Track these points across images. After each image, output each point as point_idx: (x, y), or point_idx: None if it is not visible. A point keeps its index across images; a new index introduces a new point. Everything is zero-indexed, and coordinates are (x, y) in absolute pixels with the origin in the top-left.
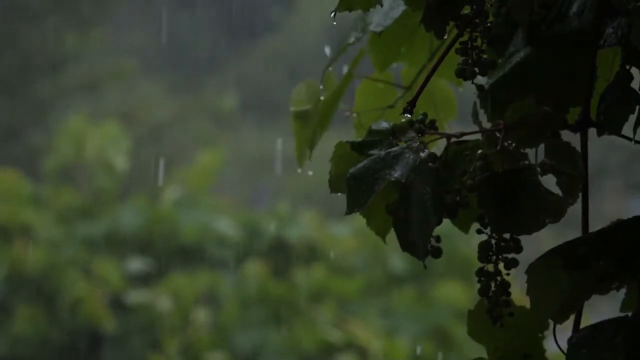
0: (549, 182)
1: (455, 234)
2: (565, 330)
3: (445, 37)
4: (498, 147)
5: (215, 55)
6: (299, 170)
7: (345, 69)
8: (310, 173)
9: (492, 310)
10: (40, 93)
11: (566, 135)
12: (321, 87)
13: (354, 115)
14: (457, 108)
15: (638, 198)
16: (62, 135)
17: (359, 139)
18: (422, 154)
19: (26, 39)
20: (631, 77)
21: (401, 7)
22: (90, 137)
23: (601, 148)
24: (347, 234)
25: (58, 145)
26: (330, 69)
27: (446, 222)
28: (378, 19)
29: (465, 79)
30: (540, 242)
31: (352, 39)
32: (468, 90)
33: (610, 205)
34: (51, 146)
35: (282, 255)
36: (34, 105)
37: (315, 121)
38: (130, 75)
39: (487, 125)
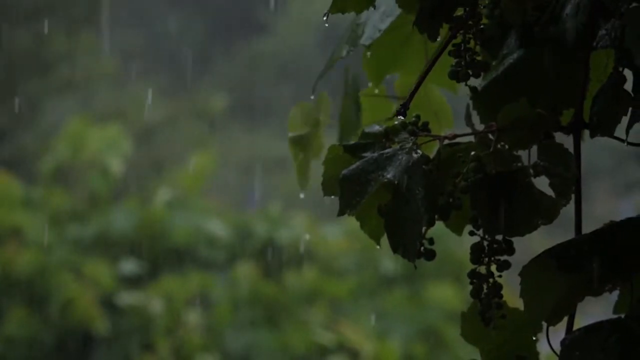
0: (542, 183)
1: (446, 236)
2: (557, 332)
3: (438, 39)
4: (491, 149)
5: (205, 56)
6: (302, 195)
7: (334, 77)
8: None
9: (484, 313)
10: (30, 94)
11: (559, 137)
12: (312, 96)
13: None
14: (452, 115)
15: (628, 199)
16: (60, 137)
17: (352, 142)
18: (415, 155)
19: (16, 41)
20: (624, 79)
21: (390, 19)
22: (89, 139)
23: (591, 149)
24: (338, 235)
25: (56, 146)
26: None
27: (438, 223)
28: (368, 32)
29: (458, 81)
30: (530, 242)
31: (343, 52)
32: (461, 93)
33: (600, 206)
34: (44, 147)
35: (273, 257)
36: (24, 107)
37: (311, 140)
38: (120, 77)
39: (480, 127)
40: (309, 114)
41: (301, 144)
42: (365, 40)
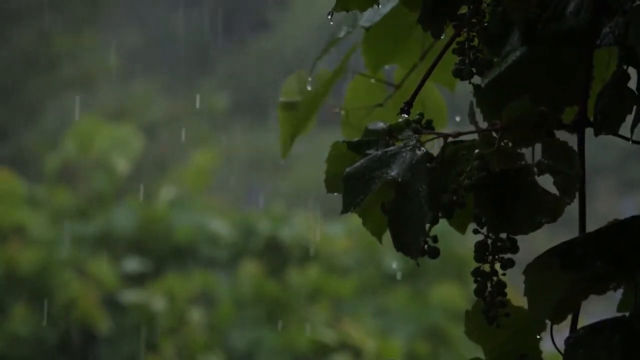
0: (546, 182)
1: (449, 234)
2: (561, 331)
3: (442, 37)
4: (495, 147)
5: (208, 54)
6: (282, 161)
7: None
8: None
9: (488, 311)
10: (32, 93)
11: (562, 135)
12: (310, 79)
13: (342, 112)
14: (448, 115)
15: (630, 197)
16: (68, 135)
17: (356, 139)
18: (419, 153)
19: (18, 39)
20: (628, 77)
21: (390, 4)
22: (98, 138)
23: (593, 147)
24: (341, 233)
25: (63, 144)
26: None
27: (441, 222)
28: (368, 14)
29: (462, 79)
30: (533, 241)
31: (342, 33)
32: (464, 90)
33: (602, 204)
34: (49, 145)
35: (276, 256)
36: (26, 105)
37: (301, 112)
38: (122, 75)
39: (483, 125)
40: (305, 85)
41: (292, 109)
42: (364, 22)
